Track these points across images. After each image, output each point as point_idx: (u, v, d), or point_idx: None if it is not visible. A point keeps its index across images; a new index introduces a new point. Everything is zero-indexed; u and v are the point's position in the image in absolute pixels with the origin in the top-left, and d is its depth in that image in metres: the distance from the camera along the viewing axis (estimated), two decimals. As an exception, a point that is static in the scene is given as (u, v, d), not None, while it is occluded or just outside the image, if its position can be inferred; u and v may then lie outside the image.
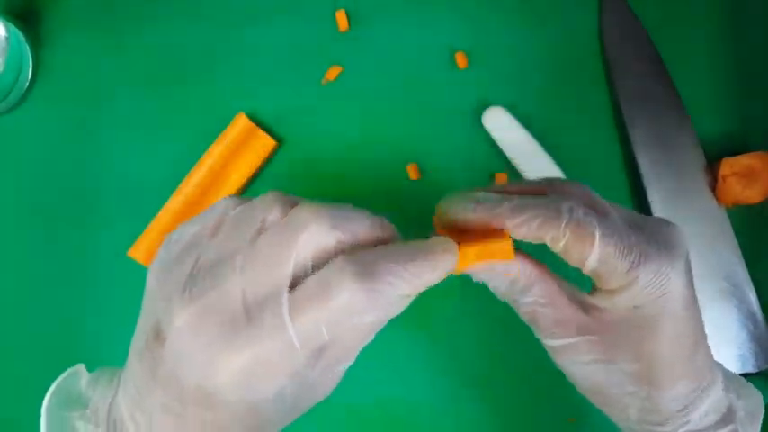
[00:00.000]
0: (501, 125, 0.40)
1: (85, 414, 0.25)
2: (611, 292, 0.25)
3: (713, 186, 0.40)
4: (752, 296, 0.39)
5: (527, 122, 0.42)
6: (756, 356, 0.38)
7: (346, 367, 0.23)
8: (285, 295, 0.21)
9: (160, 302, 0.23)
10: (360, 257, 0.21)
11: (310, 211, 0.22)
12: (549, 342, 0.26)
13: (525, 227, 0.23)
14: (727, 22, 0.42)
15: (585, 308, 0.26)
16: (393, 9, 0.42)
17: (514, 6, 0.42)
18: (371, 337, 0.23)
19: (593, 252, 0.23)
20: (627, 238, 0.24)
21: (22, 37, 0.42)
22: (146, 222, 0.39)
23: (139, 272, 0.40)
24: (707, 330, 0.38)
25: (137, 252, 0.39)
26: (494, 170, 0.41)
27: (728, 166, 0.39)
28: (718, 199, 0.39)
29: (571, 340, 0.26)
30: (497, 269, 0.25)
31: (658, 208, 0.39)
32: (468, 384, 0.40)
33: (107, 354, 0.41)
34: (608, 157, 0.41)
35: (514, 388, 0.40)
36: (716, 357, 0.38)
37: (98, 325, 0.41)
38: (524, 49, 0.42)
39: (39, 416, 0.40)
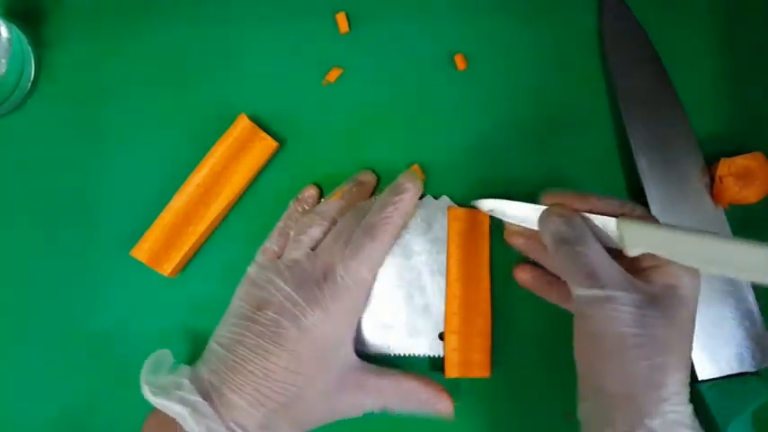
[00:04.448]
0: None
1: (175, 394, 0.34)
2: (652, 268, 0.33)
3: (710, 187, 0.40)
4: (750, 296, 0.39)
5: (526, 124, 0.42)
6: (754, 355, 0.39)
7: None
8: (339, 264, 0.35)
9: (266, 284, 0.36)
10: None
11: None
12: (588, 292, 0.32)
13: (611, 205, 0.34)
14: (726, 24, 0.42)
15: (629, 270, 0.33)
16: (393, 11, 0.42)
17: (513, 8, 0.43)
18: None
19: None
20: None
21: (24, 38, 0.42)
22: (148, 222, 0.40)
23: (142, 271, 0.40)
24: (706, 329, 0.38)
25: (139, 252, 0.39)
26: (492, 172, 0.42)
27: (726, 166, 0.39)
28: (714, 199, 0.40)
29: (610, 293, 0.31)
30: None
31: (656, 208, 0.40)
32: (466, 380, 0.40)
33: (110, 354, 0.41)
34: (607, 157, 0.42)
35: (512, 384, 0.40)
36: (714, 357, 0.38)
37: (100, 325, 0.41)
38: (524, 51, 0.42)
39: (39, 415, 0.40)
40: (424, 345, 0.39)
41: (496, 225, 0.40)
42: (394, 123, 0.42)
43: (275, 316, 0.35)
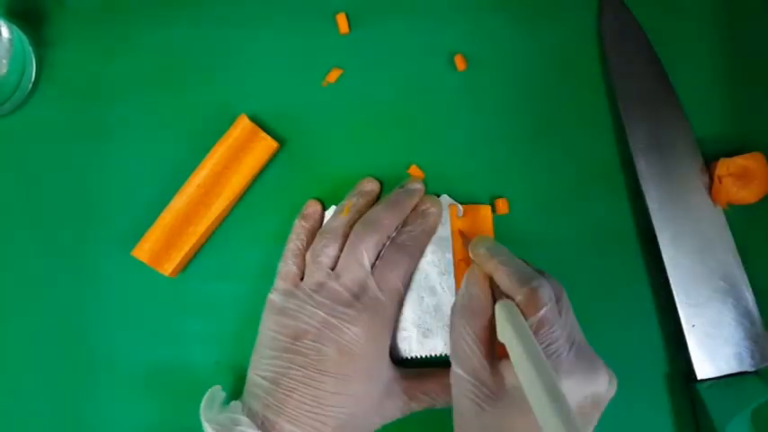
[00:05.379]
0: None
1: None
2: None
3: (709, 187, 0.40)
4: (748, 295, 0.39)
5: (525, 124, 0.42)
6: (753, 355, 0.39)
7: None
8: (370, 278, 0.36)
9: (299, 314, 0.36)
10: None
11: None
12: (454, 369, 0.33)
13: (522, 276, 0.33)
14: (726, 25, 0.43)
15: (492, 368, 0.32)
16: (393, 11, 0.43)
17: (513, 8, 0.43)
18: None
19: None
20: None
21: (25, 39, 0.42)
22: (149, 222, 0.40)
23: (142, 271, 0.40)
24: (705, 329, 0.39)
25: (140, 252, 0.39)
26: (491, 172, 0.42)
27: (725, 166, 0.39)
28: (713, 199, 0.40)
29: (466, 376, 0.32)
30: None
31: (656, 208, 0.40)
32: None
33: (110, 354, 0.41)
34: (606, 157, 0.42)
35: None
36: (713, 356, 0.38)
37: (101, 325, 0.41)
38: (523, 51, 0.42)
39: (38, 414, 0.40)
40: (438, 345, 0.39)
41: (498, 219, 0.41)
42: (394, 123, 0.42)
43: (314, 344, 0.35)
